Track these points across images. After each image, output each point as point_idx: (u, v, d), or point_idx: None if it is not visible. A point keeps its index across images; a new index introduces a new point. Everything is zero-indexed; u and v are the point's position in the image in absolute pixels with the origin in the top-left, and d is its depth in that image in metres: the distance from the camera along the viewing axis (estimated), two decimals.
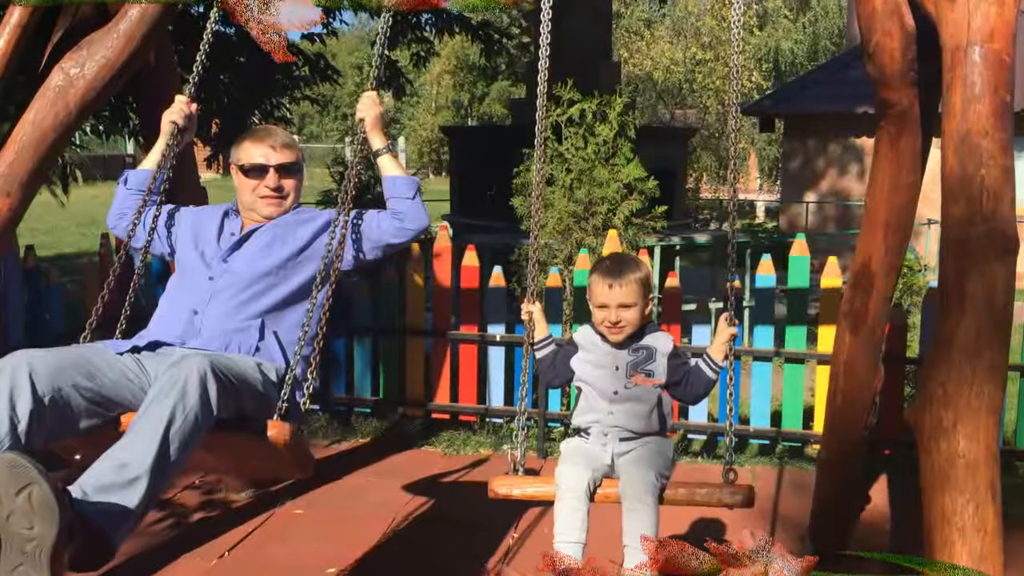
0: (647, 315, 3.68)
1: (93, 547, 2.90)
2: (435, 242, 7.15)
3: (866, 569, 3.33)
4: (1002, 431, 5.26)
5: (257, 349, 3.78)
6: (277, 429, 3.31)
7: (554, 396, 6.84)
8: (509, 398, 6.98)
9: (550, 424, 6.80)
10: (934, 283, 5.38)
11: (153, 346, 3.72)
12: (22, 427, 3.14)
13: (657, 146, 12.27)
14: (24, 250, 7.11)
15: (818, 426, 6.17)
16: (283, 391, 3.44)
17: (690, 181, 26.16)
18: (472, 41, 13.84)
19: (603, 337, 3.68)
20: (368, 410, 7.29)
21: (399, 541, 5.26)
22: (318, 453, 6.41)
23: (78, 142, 14.92)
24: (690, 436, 6.83)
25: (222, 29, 8.79)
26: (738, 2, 3.83)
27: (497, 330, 6.96)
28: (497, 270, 7.02)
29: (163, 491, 3.32)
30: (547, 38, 3.92)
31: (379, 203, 4.15)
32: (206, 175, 10.23)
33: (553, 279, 6.82)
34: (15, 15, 4.45)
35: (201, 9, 8.82)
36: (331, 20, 12.19)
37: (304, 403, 3.58)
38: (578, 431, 3.71)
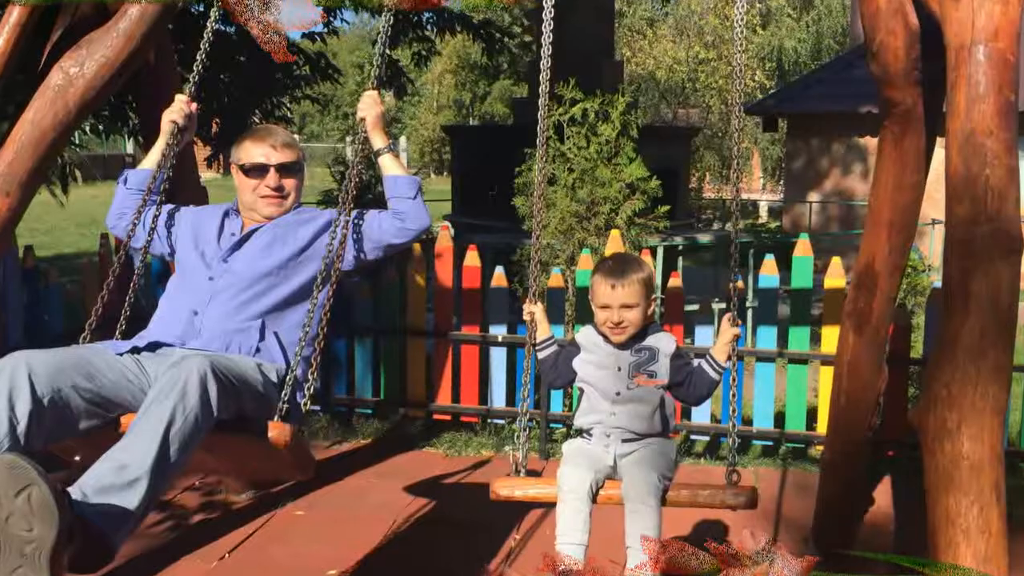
0: (650, 316, 3.67)
1: (93, 549, 2.89)
2: (436, 242, 7.14)
3: (870, 570, 3.32)
4: (1007, 432, 5.26)
5: (258, 350, 3.77)
6: (278, 430, 3.30)
7: (556, 397, 6.82)
8: (511, 399, 6.96)
9: (552, 425, 6.79)
10: (938, 283, 5.36)
11: (153, 347, 3.71)
12: (21, 428, 3.13)
13: (660, 146, 12.26)
14: (23, 250, 7.10)
15: (821, 427, 6.15)
16: (284, 392, 3.43)
17: (693, 181, 26.15)
18: (474, 40, 13.82)
19: (605, 338, 3.67)
20: (369, 411, 7.28)
21: (400, 542, 5.25)
22: (319, 454, 6.40)
23: (77, 141, 14.91)
24: (693, 437, 6.82)
25: (222, 28, 8.78)
26: (741, 1, 3.82)
27: (499, 331, 6.95)
28: (499, 270, 7.01)
29: (163, 492, 3.31)
30: (549, 37, 3.91)
31: (380, 203, 4.13)
32: (206, 175, 10.21)
33: (555, 279, 6.80)
34: (14, 14, 4.45)
35: (201, 8, 8.83)
36: (332, 19, 12.15)
37: (305, 404, 3.57)
38: (580, 432, 3.70)
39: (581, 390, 3.74)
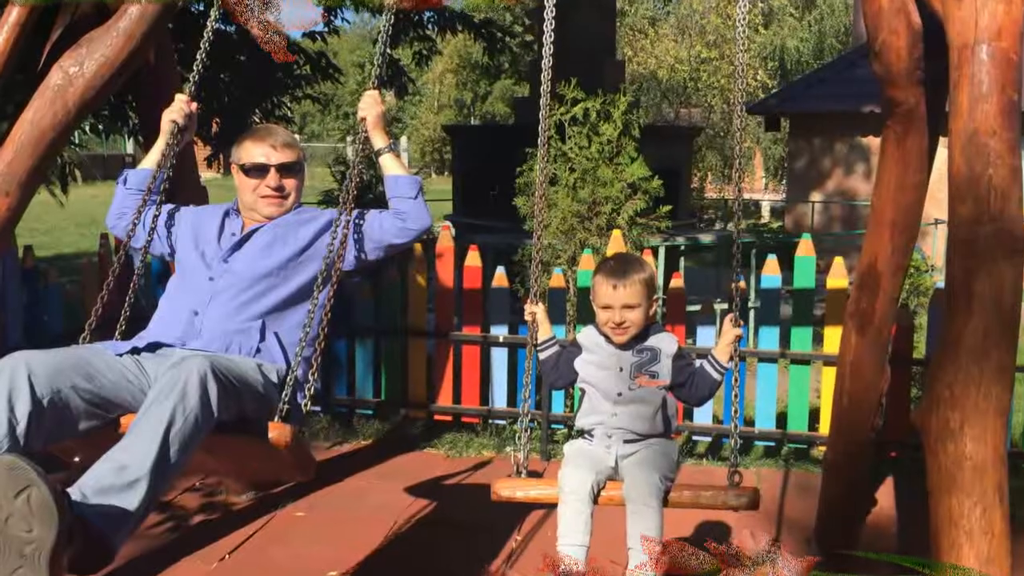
0: (651, 316, 3.66)
1: (93, 550, 2.88)
2: (437, 242, 7.13)
3: (872, 571, 3.31)
4: (1010, 433, 5.25)
5: (258, 350, 3.76)
6: (278, 431, 3.30)
7: (557, 398, 6.81)
8: (512, 400, 6.95)
9: (553, 426, 6.78)
10: (941, 283, 5.35)
11: (153, 347, 3.70)
12: (21, 429, 3.12)
13: (662, 145, 12.26)
14: (23, 250, 7.09)
15: (824, 428, 6.14)
16: (284, 392, 3.44)
17: (695, 181, 26.14)
18: (475, 39, 13.83)
19: (607, 338, 3.66)
20: (370, 412, 7.27)
21: (401, 544, 5.24)
22: (319, 455, 6.39)
23: (77, 141, 14.92)
24: (695, 438, 6.81)
25: (222, 27, 8.77)
26: (743, 0, 3.81)
27: (500, 331, 6.93)
28: (500, 270, 7.00)
29: (163, 493, 3.31)
30: (551, 36, 3.90)
31: (381, 203, 4.12)
32: (206, 174, 10.18)
33: (557, 280, 6.79)
34: (13, 13, 4.44)
35: (201, 7, 8.82)
36: (333, 18, 12.15)
37: (305, 405, 3.57)
38: (582, 433, 3.69)
39: (582, 391, 3.73)
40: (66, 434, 3.31)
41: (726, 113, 31.38)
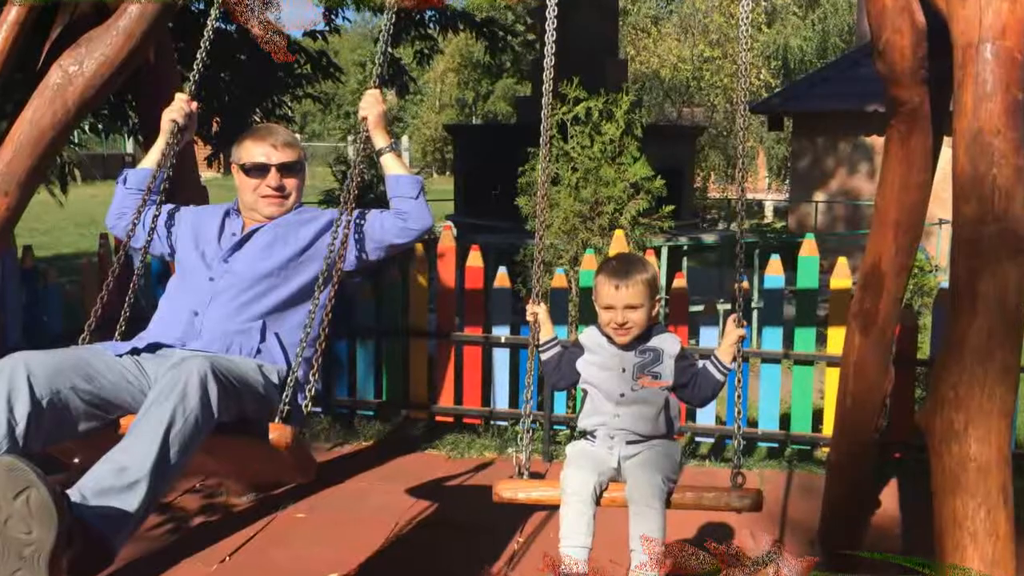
0: (654, 316, 3.64)
1: (92, 551, 2.88)
2: (439, 242, 7.12)
3: (876, 572, 3.30)
4: (1014, 434, 5.23)
5: (258, 351, 3.75)
6: (278, 432, 3.30)
7: (560, 398, 6.80)
8: (514, 401, 6.94)
9: (555, 427, 6.77)
10: (945, 284, 5.34)
11: (153, 348, 3.70)
12: (20, 430, 3.12)
13: (664, 145, 12.25)
14: (22, 250, 7.09)
15: (827, 429, 6.13)
16: (285, 393, 3.44)
17: (698, 180, 26.13)
18: (476, 38, 13.79)
19: (609, 339, 3.64)
20: (371, 413, 7.26)
21: (402, 545, 5.22)
22: (320, 456, 6.39)
23: (77, 141, 14.90)
24: (697, 439, 6.80)
25: (223, 26, 8.76)
26: None
27: (502, 332, 6.92)
28: (502, 271, 6.99)
29: (163, 495, 3.29)
30: (553, 35, 3.89)
31: (382, 202, 4.11)
32: (207, 174, 10.18)
33: (559, 280, 6.78)
34: (13, 12, 4.43)
35: (201, 6, 8.81)
36: (334, 17, 12.14)
37: (306, 405, 3.57)
38: (584, 434, 3.68)
39: (585, 391, 3.71)
40: (65, 435, 3.31)
41: (729, 112, 31.36)
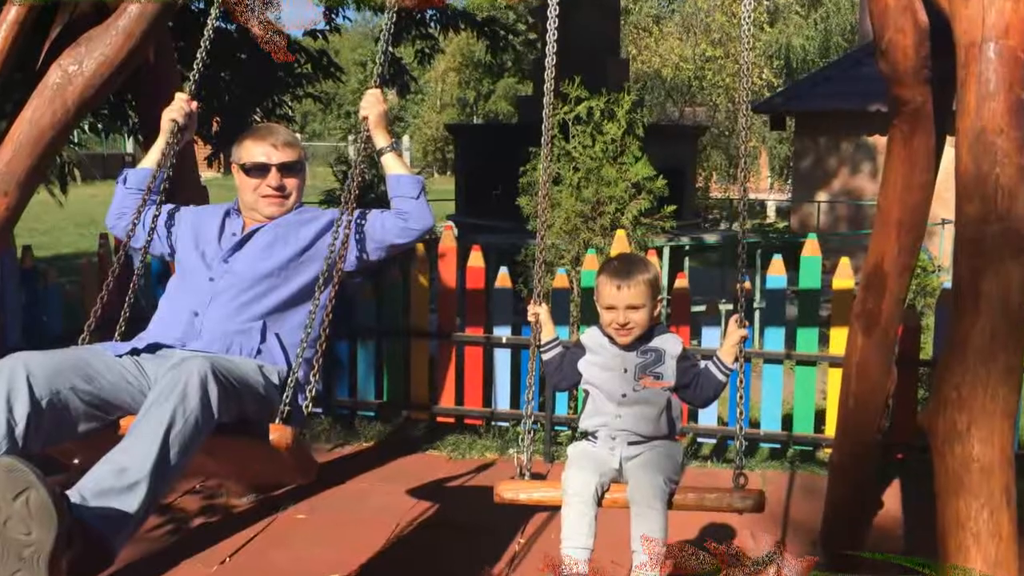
0: (656, 317, 3.64)
1: (92, 553, 2.87)
2: (440, 242, 7.11)
3: (879, 572, 3.30)
4: (1017, 435, 5.22)
5: (259, 351, 3.74)
6: (279, 433, 3.29)
7: (561, 399, 6.79)
8: (515, 401, 6.93)
9: (557, 428, 6.76)
10: (948, 284, 5.33)
11: (153, 348, 3.69)
12: (19, 431, 3.11)
13: (666, 144, 12.26)
14: (22, 250, 7.08)
15: (830, 430, 6.12)
16: (285, 394, 3.43)
17: (700, 180, 26.11)
18: (478, 38, 13.76)
19: (611, 339, 3.64)
20: (371, 413, 7.24)
21: (403, 546, 5.22)
22: (321, 457, 6.39)
23: (76, 140, 14.88)
24: (699, 440, 6.79)
25: (223, 25, 8.75)
26: None
27: (503, 332, 6.91)
28: (503, 271, 6.98)
29: (163, 496, 3.29)
30: (554, 34, 3.88)
31: (383, 202, 4.11)
32: (207, 174, 10.17)
33: (560, 280, 6.77)
34: (12, 11, 4.42)
35: (201, 5, 8.80)
36: (334, 16, 12.13)
37: (306, 406, 3.56)
38: (585, 435, 3.67)
39: (586, 392, 3.71)
40: (65, 436, 3.30)
41: (731, 112, 31.39)
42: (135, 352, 3.61)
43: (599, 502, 3.44)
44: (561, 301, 6.73)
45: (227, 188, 5.98)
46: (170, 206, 4.19)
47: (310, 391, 3.53)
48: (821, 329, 6.57)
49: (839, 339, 6.03)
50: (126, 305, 3.92)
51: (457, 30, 13.38)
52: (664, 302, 6.67)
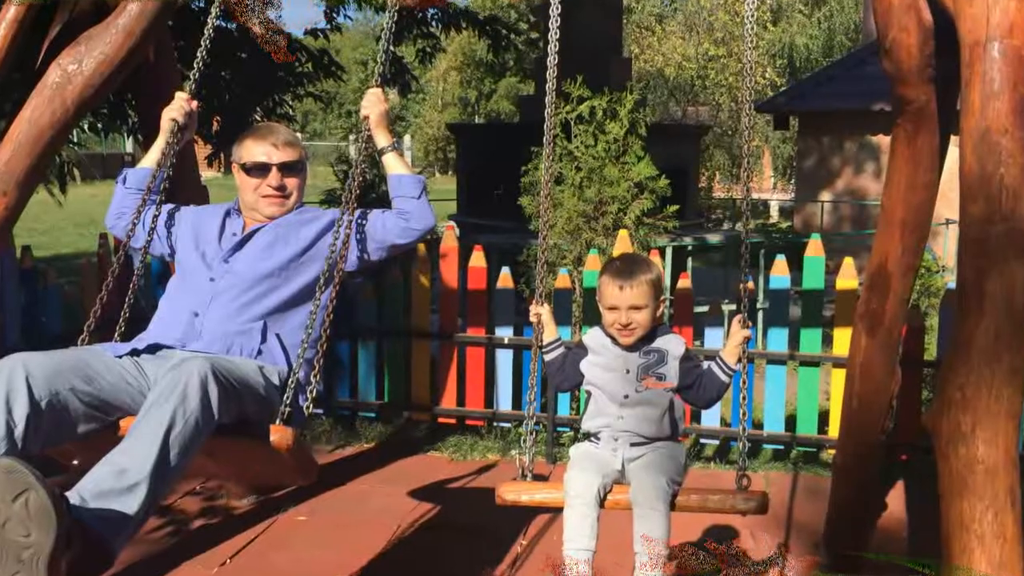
0: (658, 317, 3.63)
1: (91, 554, 2.86)
2: (441, 242, 7.09)
3: (882, 573, 3.29)
4: (1022, 436, 5.21)
5: (259, 352, 3.74)
6: (279, 434, 3.28)
7: (563, 400, 6.78)
8: (517, 402, 6.92)
9: (559, 429, 6.74)
10: (952, 284, 5.32)
11: (153, 349, 3.68)
12: (19, 432, 3.10)
13: (669, 144, 12.22)
14: (21, 250, 7.07)
15: (833, 430, 6.11)
16: (286, 395, 3.42)
17: (703, 180, 26.07)
18: (479, 37, 13.75)
19: (613, 340, 3.63)
20: (372, 414, 7.23)
21: (404, 548, 5.20)
22: (321, 458, 6.38)
23: (76, 140, 14.85)
24: (702, 441, 6.77)
25: (223, 24, 8.72)
26: None
27: (505, 333, 6.89)
28: (505, 271, 6.96)
29: (163, 497, 3.28)
30: (556, 34, 3.87)
31: (384, 202, 4.10)
32: (207, 173, 10.14)
33: (562, 280, 6.76)
34: (11, 10, 4.43)
35: (202, 4, 8.79)
36: (335, 15, 12.12)
37: (307, 407, 3.55)
38: (588, 436, 3.67)
39: (589, 393, 3.70)
40: (65, 437, 3.29)
41: (734, 111, 31.28)
42: (135, 353, 3.60)
43: (601, 503, 3.43)
44: (563, 301, 6.72)
45: (227, 188, 5.97)
46: (170, 206, 4.18)
47: (311, 392, 3.52)
48: (824, 330, 6.56)
49: (843, 340, 6.02)
50: (126, 305, 3.91)
51: (459, 29, 13.36)
52: (667, 302, 6.67)
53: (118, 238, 4.26)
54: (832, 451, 5.92)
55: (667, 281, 8.21)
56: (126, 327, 3.88)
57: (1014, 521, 3.04)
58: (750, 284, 3.82)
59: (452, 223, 8.19)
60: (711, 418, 6.65)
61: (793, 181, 27.17)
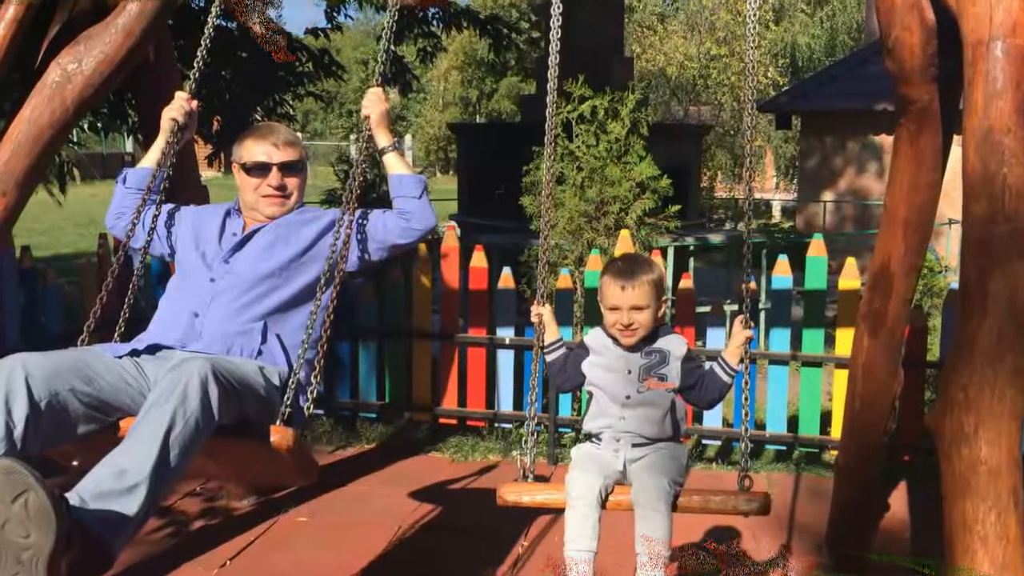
0: (660, 317, 3.62)
1: (91, 555, 2.85)
2: (442, 242, 7.08)
3: (885, 574, 3.29)
4: None
5: (259, 352, 3.72)
6: (280, 434, 3.27)
7: (565, 401, 6.77)
8: (518, 403, 6.92)
9: (560, 429, 6.73)
10: (955, 284, 5.30)
11: (153, 349, 3.67)
12: (18, 432, 3.09)
13: (670, 144, 12.19)
14: (20, 250, 7.06)
15: (836, 431, 6.10)
16: (286, 395, 3.41)
17: (704, 180, 26.11)
18: (480, 36, 13.74)
19: (615, 340, 3.62)
20: (373, 415, 7.22)
21: (405, 549, 5.20)
22: (322, 459, 6.37)
23: (75, 140, 14.85)
24: (704, 441, 6.76)
25: (223, 24, 8.72)
26: None
27: (506, 333, 6.89)
28: (506, 271, 6.96)
29: (163, 498, 3.27)
30: (557, 33, 3.86)
31: (385, 202, 4.09)
32: (207, 173, 10.15)
33: (564, 280, 6.75)
34: (10, 10, 4.43)
35: (202, 3, 8.78)
36: (336, 14, 12.12)
37: (308, 408, 3.54)
38: (589, 436, 3.67)
39: (590, 393, 3.70)
40: (64, 437, 3.28)
41: (736, 111, 31.30)
42: (135, 353, 3.59)
43: (603, 504, 3.43)
44: (565, 302, 6.71)
45: (227, 188, 5.96)
46: (170, 206, 4.17)
47: (311, 392, 3.52)
48: (827, 330, 6.55)
49: (845, 340, 6.01)
50: (126, 306, 3.91)
51: (460, 28, 13.35)
52: (668, 303, 6.66)
53: (118, 238, 4.24)
54: (834, 452, 5.91)
55: (669, 281, 8.20)
56: (126, 327, 3.87)
57: (1017, 522, 3.05)
58: (752, 284, 3.81)
59: (453, 223, 8.19)
60: (713, 419, 6.64)
61: (795, 181, 27.16)
